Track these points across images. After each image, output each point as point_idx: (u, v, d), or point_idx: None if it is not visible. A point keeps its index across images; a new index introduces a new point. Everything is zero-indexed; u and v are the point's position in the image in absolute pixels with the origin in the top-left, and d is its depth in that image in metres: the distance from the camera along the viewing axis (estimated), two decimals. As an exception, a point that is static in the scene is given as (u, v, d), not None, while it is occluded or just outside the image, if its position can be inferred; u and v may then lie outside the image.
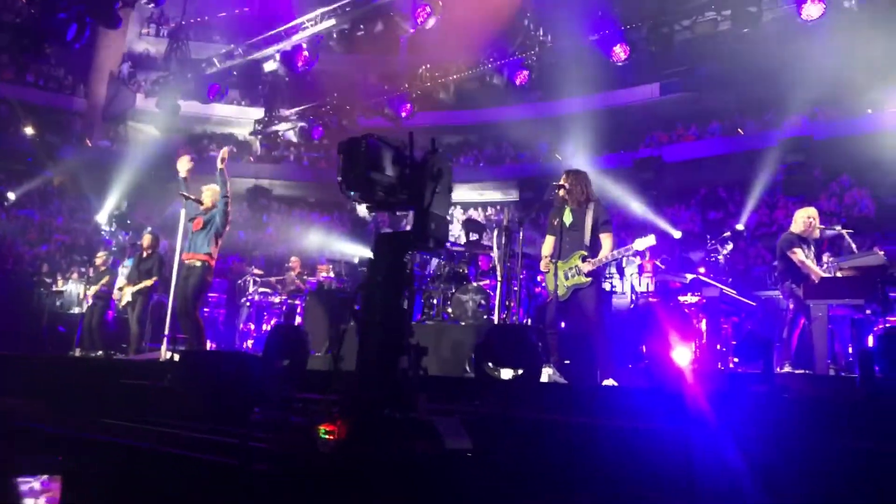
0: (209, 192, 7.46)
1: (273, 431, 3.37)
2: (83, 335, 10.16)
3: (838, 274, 6.76)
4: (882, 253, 6.90)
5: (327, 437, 2.78)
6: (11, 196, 14.92)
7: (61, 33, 12.44)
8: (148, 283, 9.58)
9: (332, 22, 12.91)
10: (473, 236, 9.24)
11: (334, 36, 13.27)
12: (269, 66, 14.20)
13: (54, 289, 12.71)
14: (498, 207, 22.96)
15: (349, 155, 3.06)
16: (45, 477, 3.50)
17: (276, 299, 10.93)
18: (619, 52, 11.41)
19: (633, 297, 7.76)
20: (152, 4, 12.01)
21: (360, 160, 3.03)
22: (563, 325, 5.91)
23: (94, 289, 10.23)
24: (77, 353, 9.93)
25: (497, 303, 6.85)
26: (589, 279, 5.68)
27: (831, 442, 3.20)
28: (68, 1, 12.74)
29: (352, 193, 3.11)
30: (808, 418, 3.65)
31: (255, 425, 3.48)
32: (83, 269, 11.07)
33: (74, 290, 11.48)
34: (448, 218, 3.24)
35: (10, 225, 18.86)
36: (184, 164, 7.53)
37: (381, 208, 3.31)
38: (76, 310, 11.68)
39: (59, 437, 4.39)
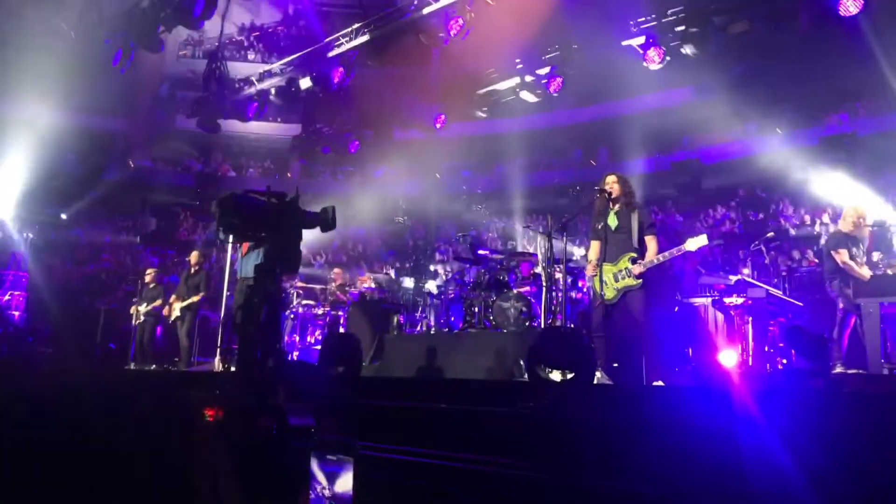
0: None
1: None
2: (136, 351, 10.46)
3: (889, 272, 6.66)
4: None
5: (208, 418, 3.58)
6: (63, 216, 15.40)
7: (107, 59, 12.91)
8: (195, 298, 9.86)
9: (366, 37, 13.11)
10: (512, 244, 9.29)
11: (368, 51, 13.47)
12: (305, 84, 14.42)
13: (104, 307, 13.08)
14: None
15: (222, 207, 3.74)
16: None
17: (320, 311, 11.10)
18: (654, 55, 11.33)
19: (678, 299, 7.73)
20: (191, 27, 12.33)
21: (230, 211, 3.72)
22: (608, 328, 5.92)
23: (145, 306, 10.52)
24: (132, 367, 10.22)
25: (543, 308, 6.89)
26: (639, 281, 5.70)
27: (884, 441, 3.17)
28: (113, 27, 13.20)
29: (226, 236, 3.86)
30: (861, 417, 3.61)
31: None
32: (133, 287, 11.40)
33: (125, 308, 11.80)
34: (301, 249, 3.92)
35: (59, 244, 19.47)
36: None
37: (258, 246, 4.00)
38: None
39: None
